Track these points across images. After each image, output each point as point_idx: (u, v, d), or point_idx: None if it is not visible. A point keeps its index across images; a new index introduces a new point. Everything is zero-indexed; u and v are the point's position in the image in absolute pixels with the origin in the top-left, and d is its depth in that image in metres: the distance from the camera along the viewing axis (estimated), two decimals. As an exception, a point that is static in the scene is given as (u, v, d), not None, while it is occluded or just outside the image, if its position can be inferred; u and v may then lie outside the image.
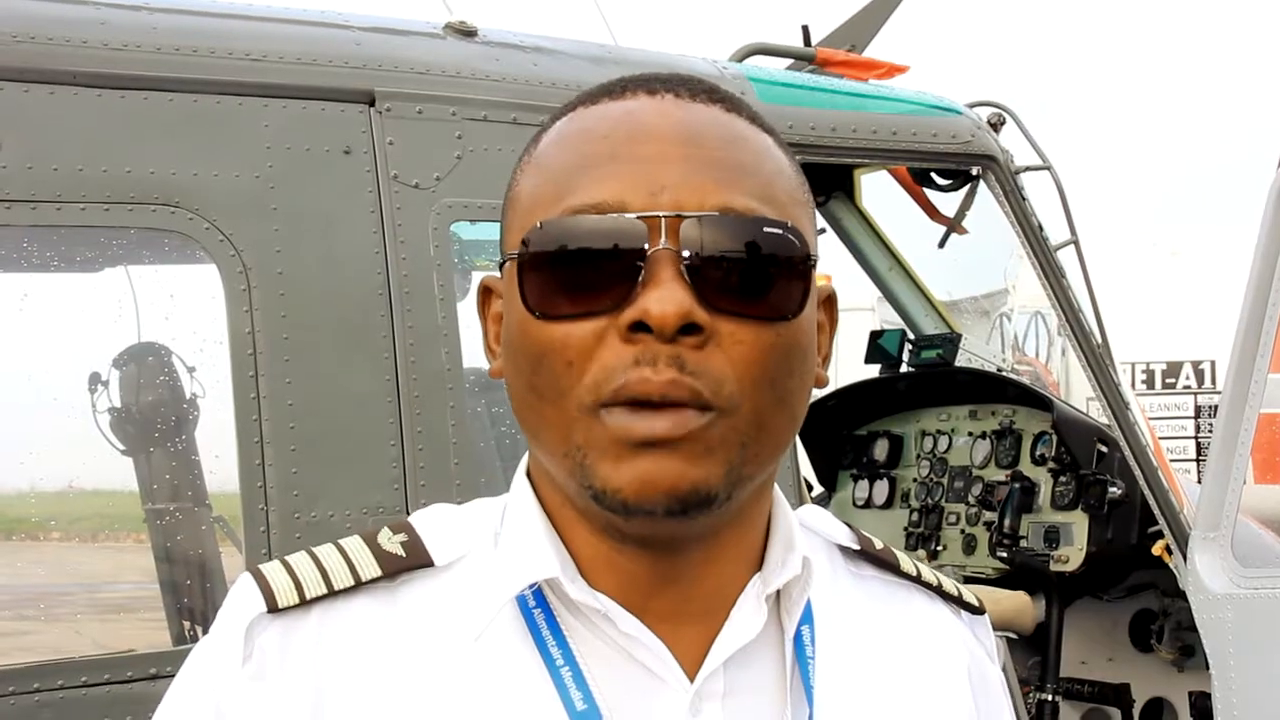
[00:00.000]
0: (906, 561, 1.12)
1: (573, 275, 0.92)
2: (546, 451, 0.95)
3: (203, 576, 2.97)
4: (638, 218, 0.91)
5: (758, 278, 0.92)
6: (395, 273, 2.54)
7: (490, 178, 2.66)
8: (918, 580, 1.11)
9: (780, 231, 0.93)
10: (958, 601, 1.12)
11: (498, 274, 1.02)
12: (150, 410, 3.02)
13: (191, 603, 2.92)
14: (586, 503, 0.93)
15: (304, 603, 0.96)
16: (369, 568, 0.98)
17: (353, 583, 0.97)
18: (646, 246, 0.90)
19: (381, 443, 2.49)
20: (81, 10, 2.48)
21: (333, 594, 0.97)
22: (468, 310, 2.74)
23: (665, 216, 0.91)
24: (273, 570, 0.98)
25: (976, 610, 1.14)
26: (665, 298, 0.89)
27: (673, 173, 0.92)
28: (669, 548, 0.96)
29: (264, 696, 0.95)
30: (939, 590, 1.12)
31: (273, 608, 0.96)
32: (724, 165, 0.94)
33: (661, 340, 0.89)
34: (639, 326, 0.89)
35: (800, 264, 0.94)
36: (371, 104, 2.60)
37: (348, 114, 2.58)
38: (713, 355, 0.91)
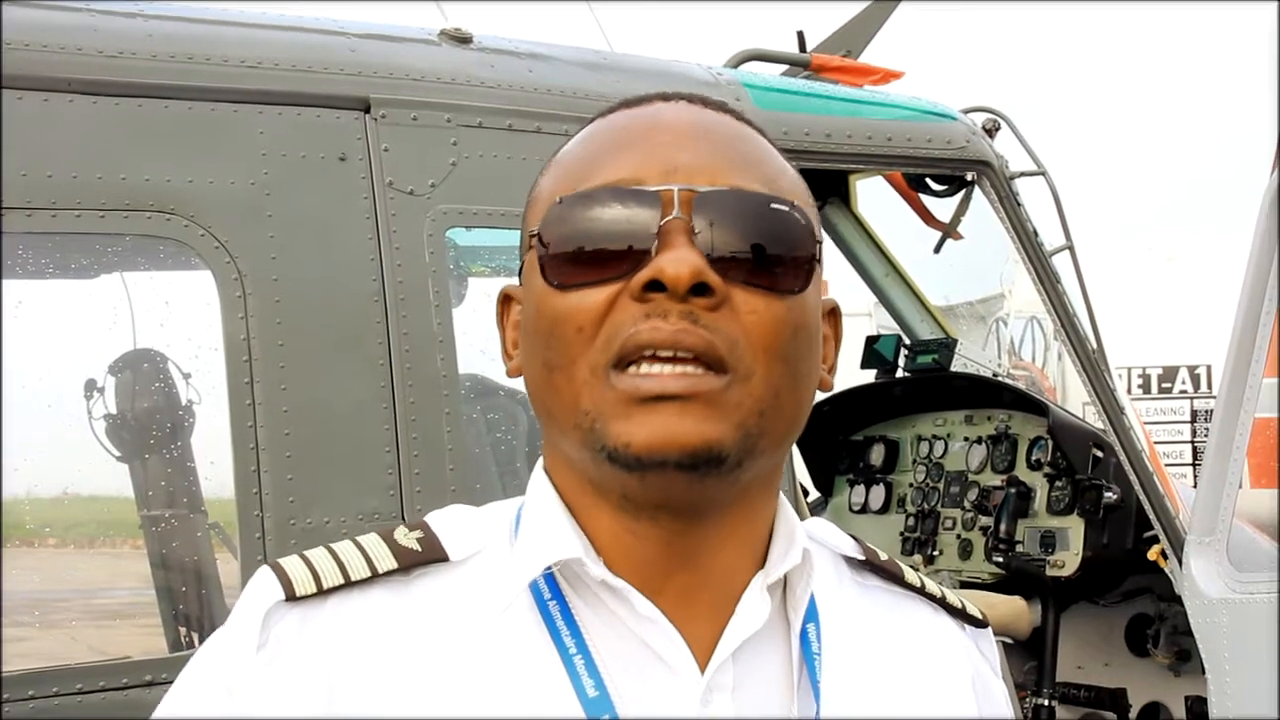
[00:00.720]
0: (911, 574, 1.13)
1: (589, 245, 0.96)
2: (560, 428, 0.98)
3: (198, 583, 2.97)
4: (653, 191, 0.96)
5: (766, 251, 0.96)
6: (391, 279, 2.54)
7: (485, 184, 2.66)
8: (922, 591, 1.12)
9: (786, 209, 0.98)
10: (961, 614, 1.14)
11: (517, 282, 1.06)
12: (146, 417, 3.02)
13: (187, 609, 2.92)
14: (601, 470, 0.95)
15: (321, 592, 0.98)
16: (385, 560, 1.00)
17: (369, 574, 0.99)
18: (661, 217, 0.95)
19: (377, 449, 2.49)
20: (76, 17, 2.48)
21: (349, 584, 0.99)
22: (463, 316, 2.74)
23: (679, 189, 0.95)
24: (291, 562, 1.00)
25: (980, 624, 1.15)
26: (679, 259, 0.93)
27: (686, 155, 0.98)
28: (683, 516, 0.97)
29: (277, 681, 0.96)
30: (943, 602, 1.13)
31: (290, 596, 0.98)
32: (733, 154, 1.00)
33: (674, 299, 0.93)
34: (652, 286, 0.93)
35: (806, 244, 0.99)
36: (367, 111, 2.61)
37: (343, 121, 2.58)
38: (726, 317, 0.94)
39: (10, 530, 2.99)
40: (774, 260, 0.96)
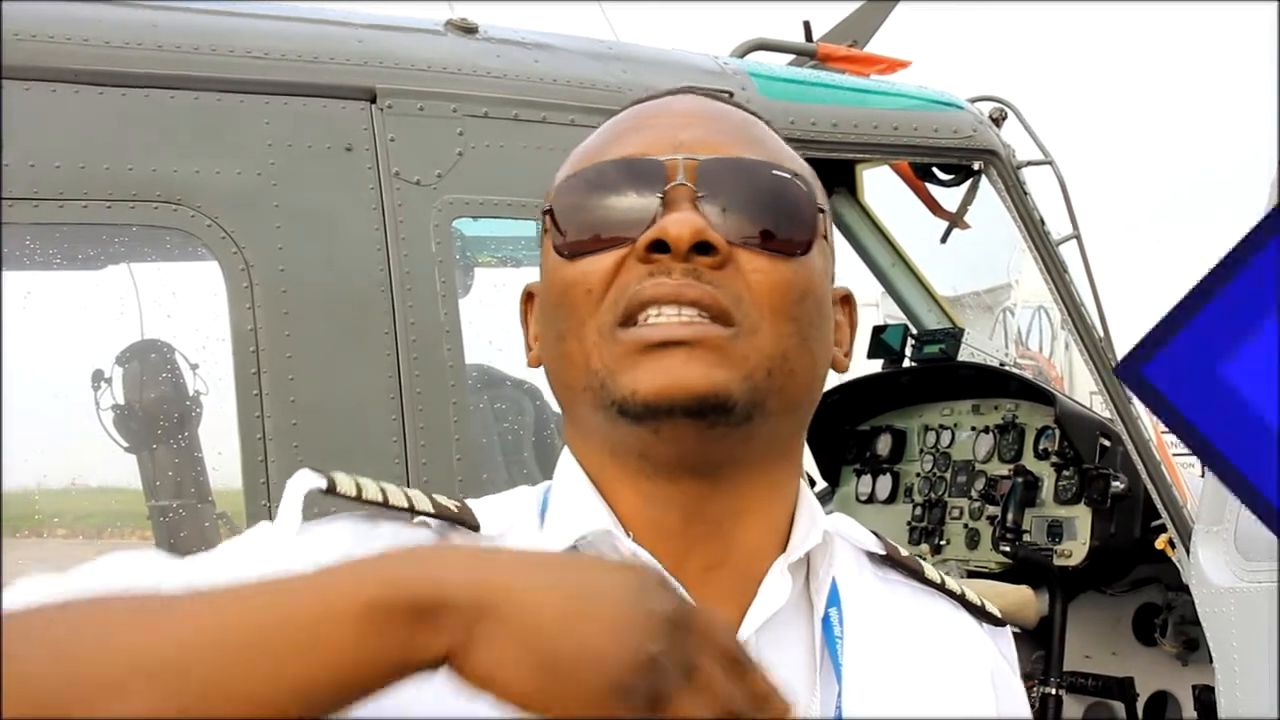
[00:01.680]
0: (931, 570, 1.14)
1: (596, 214, 0.99)
2: (575, 395, 0.99)
3: (206, 573, 2.97)
4: (657, 160, 0.98)
5: (769, 214, 0.98)
6: (397, 269, 2.54)
7: (492, 174, 2.66)
8: (941, 588, 1.13)
9: (788, 176, 1.01)
10: (980, 612, 1.14)
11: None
12: (153, 407, 3.03)
13: (195, 599, 2.92)
14: (618, 429, 0.96)
15: (360, 500, 0.98)
16: (423, 504, 1.00)
17: (407, 504, 0.99)
18: (664, 184, 0.97)
19: (384, 439, 2.49)
20: (82, 8, 2.48)
21: (386, 506, 0.98)
22: (470, 306, 2.74)
23: (684, 159, 0.98)
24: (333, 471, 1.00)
25: (999, 622, 1.15)
26: (681, 220, 0.95)
27: (690, 133, 1.01)
28: (700, 476, 0.97)
29: (313, 555, 0.93)
30: (962, 599, 1.13)
31: (331, 489, 0.97)
32: (737, 134, 1.03)
33: (678, 258, 0.95)
34: (656, 247, 0.95)
35: (807, 208, 1.00)
36: (373, 101, 2.60)
37: (349, 111, 2.58)
38: (730, 275, 0.96)
39: (19, 521, 3.00)
40: (776, 223, 0.98)
